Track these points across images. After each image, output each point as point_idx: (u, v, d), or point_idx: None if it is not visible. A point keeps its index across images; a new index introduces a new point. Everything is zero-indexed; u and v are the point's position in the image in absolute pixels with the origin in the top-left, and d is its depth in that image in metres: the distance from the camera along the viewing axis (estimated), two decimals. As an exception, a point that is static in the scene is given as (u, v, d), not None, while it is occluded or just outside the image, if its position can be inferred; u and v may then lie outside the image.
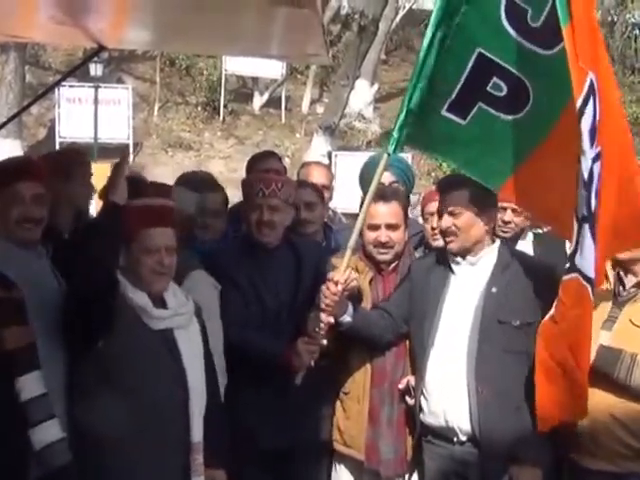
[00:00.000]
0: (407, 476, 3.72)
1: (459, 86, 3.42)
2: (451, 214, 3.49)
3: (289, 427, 3.56)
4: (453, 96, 3.43)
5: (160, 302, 3.12)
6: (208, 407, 3.15)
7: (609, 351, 3.31)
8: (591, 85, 3.04)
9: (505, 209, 4.13)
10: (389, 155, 3.50)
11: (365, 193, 4.66)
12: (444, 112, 3.45)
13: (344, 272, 3.44)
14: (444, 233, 3.56)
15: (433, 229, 4.22)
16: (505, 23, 3.33)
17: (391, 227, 3.74)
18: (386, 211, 3.74)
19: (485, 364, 3.38)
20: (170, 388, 3.05)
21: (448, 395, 3.43)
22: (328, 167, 5.32)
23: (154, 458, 2.99)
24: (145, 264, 3.06)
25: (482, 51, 3.37)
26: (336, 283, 3.40)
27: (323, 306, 3.43)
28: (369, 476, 3.71)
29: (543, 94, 3.39)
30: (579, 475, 3.42)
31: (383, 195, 3.77)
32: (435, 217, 4.23)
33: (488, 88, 3.41)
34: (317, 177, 4.71)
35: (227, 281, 3.59)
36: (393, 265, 3.82)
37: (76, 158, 4.13)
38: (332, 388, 3.79)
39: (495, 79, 3.40)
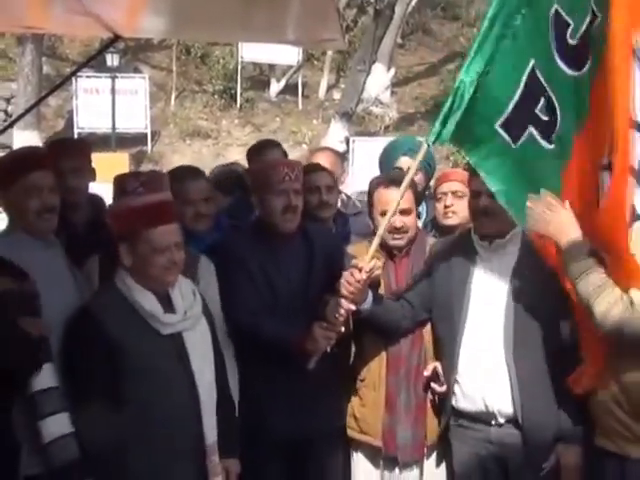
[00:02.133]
0: (426, 461, 3.71)
1: (515, 99, 3.25)
2: (489, 195, 3.43)
3: (304, 416, 3.55)
4: (509, 110, 3.26)
5: (167, 301, 3.05)
6: (217, 400, 3.13)
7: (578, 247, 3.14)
8: None
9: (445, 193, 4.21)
10: (428, 146, 3.40)
11: None
12: (497, 126, 3.28)
13: (370, 260, 3.42)
14: (480, 213, 3.50)
15: (446, 207, 4.26)
16: (551, 34, 3.24)
17: (404, 212, 3.72)
18: (398, 197, 3.71)
19: (523, 346, 3.38)
20: (180, 393, 3.00)
21: (486, 379, 3.43)
22: (337, 153, 5.27)
23: (167, 465, 2.96)
24: (156, 264, 2.99)
25: (534, 64, 3.25)
26: (360, 270, 3.39)
27: (346, 293, 3.41)
28: (386, 462, 3.71)
29: (564, 118, 3.31)
30: (595, 455, 3.38)
31: (393, 181, 3.75)
32: (448, 196, 4.25)
33: (537, 110, 3.29)
34: (323, 163, 4.70)
35: (239, 268, 3.57)
36: (405, 250, 3.81)
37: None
38: (346, 375, 3.78)
39: (542, 100, 3.29)
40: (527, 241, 3.48)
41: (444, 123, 3.29)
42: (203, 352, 3.11)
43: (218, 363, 3.19)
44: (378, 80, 16.71)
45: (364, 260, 3.42)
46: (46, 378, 2.85)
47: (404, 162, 4.54)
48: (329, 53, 17.58)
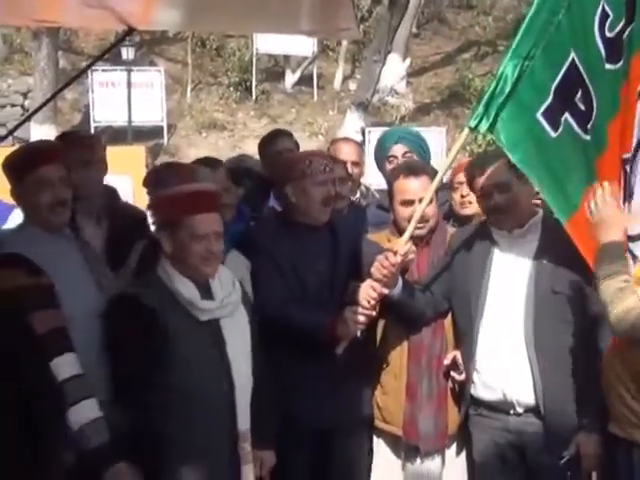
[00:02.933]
0: (447, 450, 3.71)
1: (555, 87, 3.24)
2: (500, 191, 3.42)
3: (330, 407, 3.55)
4: (550, 98, 3.24)
5: (206, 290, 3.08)
6: (256, 390, 3.14)
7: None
8: None
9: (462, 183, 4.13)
10: (470, 130, 3.38)
11: (379, 168, 4.66)
12: (539, 115, 3.26)
13: (405, 244, 3.41)
14: (496, 211, 3.48)
15: (462, 197, 4.26)
16: (596, 25, 3.23)
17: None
18: (418, 186, 3.70)
19: (543, 335, 3.38)
20: (215, 379, 3.03)
21: (505, 368, 3.42)
22: (358, 143, 5.28)
23: (200, 449, 2.99)
24: (194, 251, 3.01)
25: (575, 54, 3.24)
26: (395, 253, 3.38)
27: (379, 276, 3.40)
28: (408, 451, 3.71)
29: (600, 109, 3.31)
30: (609, 442, 3.35)
31: (413, 170, 3.75)
32: (464, 186, 4.23)
33: (576, 99, 3.28)
34: (346, 153, 4.69)
35: (267, 260, 3.57)
36: (425, 240, 3.80)
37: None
38: (371, 364, 3.78)
39: (581, 90, 3.28)
40: (547, 230, 3.47)
41: (487, 107, 3.27)
42: (240, 340, 3.13)
43: (257, 353, 3.20)
44: (393, 70, 16.64)
45: (399, 244, 3.41)
46: (70, 366, 2.87)
47: (397, 149, 4.55)
48: (344, 44, 17.54)
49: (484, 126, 3.29)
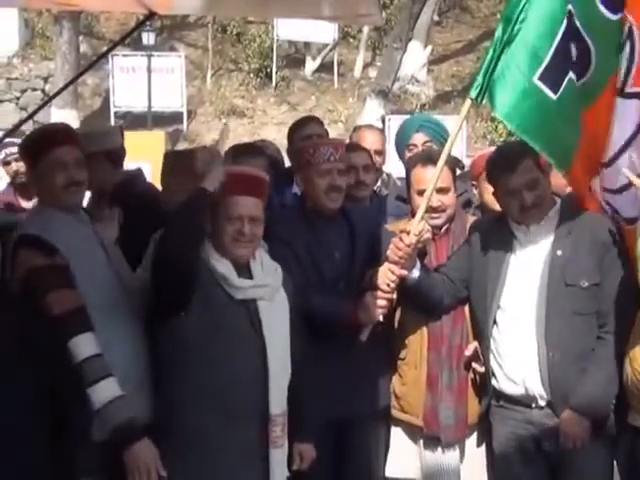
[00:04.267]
0: (467, 441, 3.69)
1: (553, 49, 3.20)
2: (529, 188, 3.37)
3: (347, 398, 3.53)
4: (547, 61, 3.20)
5: (246, 271, 3.10)
6: (295, 379, 3.14)
7: None
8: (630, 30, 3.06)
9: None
10: (472, 100, 3.34)
11: (399, 155, 4.63)
12: (536, 80, 3.21)
13: (418, 224, 3.39)
14: (529, 208, 3.41)
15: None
16: None
17: (441, 191, 3.65)
18: (433, 174, 3.64)
19: (555, 328, 3.34)
20: (248, 359, 3.03)
21: (525, 362, 3.39)
22: (381, 131, 5.26)
23: (230, 427, 2.99)
24: (226, 231, 3.05)
25: (572, 10, 3.21)
26: (409, 233, 3.36)
27: (395, 258, 3.39)
28: (427, 442, 3.68)
29: (600, 60, 3.30)
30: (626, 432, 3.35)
31: (430, 159, 3.68)
32: None
33: (574, 57, 3.27)
34: (370, 141, 4.65)
35: (285, 250, 3.53)
36: (445, 229, 3.76)
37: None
38: (388, 353, 3.75)
39: (580, 47, 3.27)
40: (564, 219, 3.44)
41: (484, 76, 3.26)
42: (278, 324, 3.12)
43: (297, 340, 3.19)
44: (414, 58, 16.56)
45: (412, 224, 3.39)
46: (89, 346, 2.88)
47: (417, 138, 4.52)
48: (365, 31, 17.47)
49: (483, 96, 3.27)
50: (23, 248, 2.96)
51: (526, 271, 3.45)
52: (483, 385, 3.60)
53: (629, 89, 3.20)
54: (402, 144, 4.64)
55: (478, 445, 3.70)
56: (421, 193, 3.59)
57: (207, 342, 2.98)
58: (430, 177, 3.54)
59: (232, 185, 3.05)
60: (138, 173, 4.09)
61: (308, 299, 3.44)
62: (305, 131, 4.68)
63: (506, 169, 3.41)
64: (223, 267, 3.05)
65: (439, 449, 3.65)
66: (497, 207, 3.71)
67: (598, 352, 3.34)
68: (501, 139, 14.47)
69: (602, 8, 3.27)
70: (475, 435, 3.69)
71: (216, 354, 2.98)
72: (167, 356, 3.03)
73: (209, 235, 3.09)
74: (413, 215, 3.70)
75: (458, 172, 4.33)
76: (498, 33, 3.25)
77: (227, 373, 2.98)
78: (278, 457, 3.09)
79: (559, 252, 3.39)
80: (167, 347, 3.02)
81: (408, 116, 14.14)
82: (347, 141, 4.67)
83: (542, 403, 3.40)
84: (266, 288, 3.12)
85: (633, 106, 3.20)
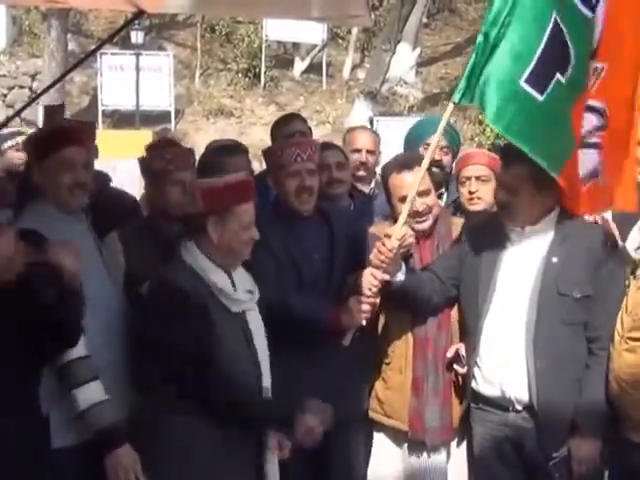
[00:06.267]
0: (453, 443, 3.69)
1: (539, 53, 3.22)
2: (509, 190, 3.40)
3: (328, 399, 3.48)
4: (533, 64, 3.22)
5: (231, 282, 3.11)
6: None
7: None
8: None
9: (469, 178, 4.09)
10: (455, 104, 3.34)
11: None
12: (522, 83, 3.22)
13: (400, 228, 3.38)
14: (501, 207, 3.46)
15: (470, 193, 4.14)
16: None
17: (423, 193, 3.63)
18: (413, 180, 3.59)
19: (543, 336, 3.33)
20: (246, 371, 3.04)
21: (505, 365, 3.39)
22: (374, 132, 5.24)
23: (229, 434, 2.99)
24: (242, 239, 3.07)
25: (556, 15, 3.22)
26: (389, 237, 3.36)
27: (377, 262, 3.38)
28: (412, 446, 3.67)
29: (578, 61, 3.31)
30: (625, 448, 3.33)
31: (405, 165, 3.67)
32: (472, 181, 4.14)
33: (560, 59, 3.28)
34: (363, 142, 4.65)
35: (262, 249, 3.47)
36: (428, 231, 3.75)
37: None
38: (370, 358, 3.74)
39: (565, 48, 3.29)
40: (561, 227, 3.43)
41: (469, 80, 3.26)
42: (261, 333, 3.15)
43: (270, 347, 3.20)
44: (403, 60, 16.58)
45: (394, 229, 3.39)
46: (78, 348, 2.86)
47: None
48: (354, 32, 17.47)
49: (466, 100, 3.28)
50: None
51: (519, 275, 3.44)
52: (465, 387, 3.60)
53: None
54: (418, 141, 4.56)
55: (459, 445, 3.70)
56: (402, 199, 3.56)
57: (215, 357, 2.96)
58: (410, 182, 3.53)
59: (237, 194, 3.06)
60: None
61: (289, 303, 3.42)
62: (288, 128, 4.63)
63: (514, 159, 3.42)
64: (221, 281, 3.04)
65: (424, 453, 3.64)
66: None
67: (593, 370, 3.32)
68: (489, 142, 14.51)
69: (580, 6, 3.30)
70: (458, 437, 3.69)
71: (216, 367, 2.96)
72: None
73: (209, 250, 3.05)
74: (395, 221, 3.69)
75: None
76: (480, 38, 3.25)
77: (226, 390, 2.98)
78: (272, 470, 3.14)
79: (554, 259, 3.37)
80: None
81: (396, 118, 14.26)
82: (338, 142, 4.67)
83: (519, 407, 3.39)
84: (252, 296, 3.14)
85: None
